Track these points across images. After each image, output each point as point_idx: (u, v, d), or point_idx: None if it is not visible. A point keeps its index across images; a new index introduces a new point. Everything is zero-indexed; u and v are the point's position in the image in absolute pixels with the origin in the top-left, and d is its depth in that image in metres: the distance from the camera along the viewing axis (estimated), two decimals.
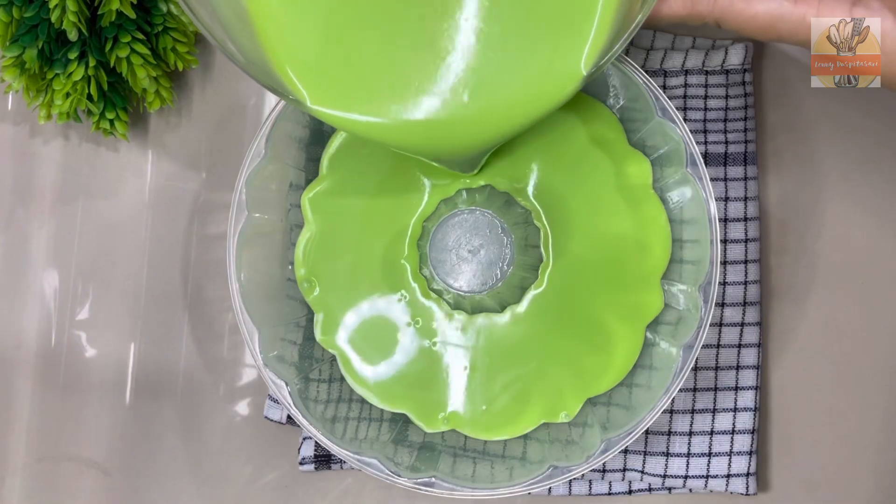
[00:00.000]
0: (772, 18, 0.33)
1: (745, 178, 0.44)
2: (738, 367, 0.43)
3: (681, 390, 0.43)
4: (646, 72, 0.38)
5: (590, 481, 0.44)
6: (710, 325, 0.40)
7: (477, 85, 0.28)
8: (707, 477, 0.43)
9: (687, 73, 0.44)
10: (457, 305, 0.39)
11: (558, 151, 0.40)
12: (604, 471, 0.43)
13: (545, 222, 0.39)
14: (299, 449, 0.44)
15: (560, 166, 0.40)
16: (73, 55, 0.42)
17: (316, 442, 0.42)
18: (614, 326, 0.39)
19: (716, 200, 0.39)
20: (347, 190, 0.40)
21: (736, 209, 0.44)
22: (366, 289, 0.40)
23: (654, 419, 0.37)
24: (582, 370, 0.39)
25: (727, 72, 0.44)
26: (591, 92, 0.40)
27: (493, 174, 0.40)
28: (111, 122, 0.44)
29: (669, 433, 0.43)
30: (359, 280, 0.40)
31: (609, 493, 0.44)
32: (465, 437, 0.40)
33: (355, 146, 0.40)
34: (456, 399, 0.39)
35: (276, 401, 0.44)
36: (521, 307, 0.39)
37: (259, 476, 0.46)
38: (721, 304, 0.43)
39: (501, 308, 0.39)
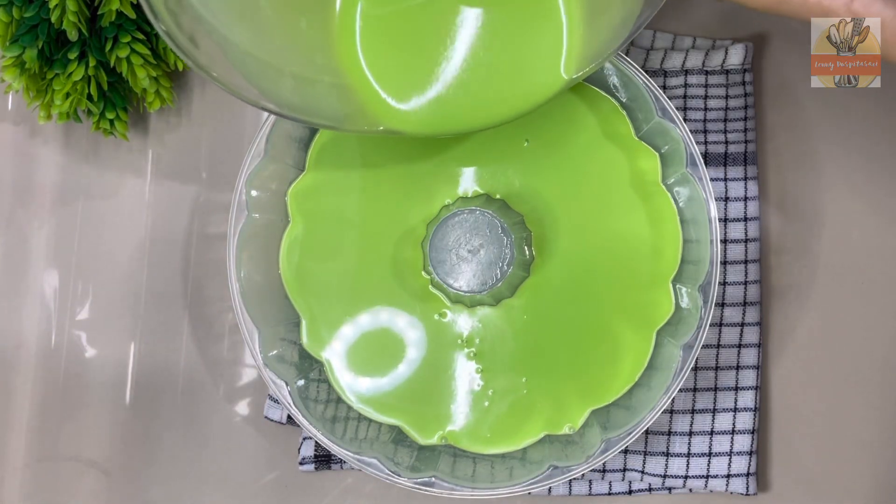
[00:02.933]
0: (783, 6, 0.33)
1: (745, 178, 0.44)
2: (738, 367, 0.43)
3: (681, 390, 0.43)
4: (646, 72, 0.38)
5: (590, 481, 0.44)
6: (710, 325, 0.40)
7: (488, 85, 0.36)
8: (707, 477, 0.43)
9: (687, 73, 0.44)
10: (456, 300, 0.39)
11: (566, 147, 0.39)
12: (604, 471, 0.43)
13: (534, 223, 0.39)
14: (299, 449, 0.44)
15: (567, 163, 0.39)
16: (73, 55, 0.42)
17: (316, 442, 0.42)
18: (622, 332, 0.38)
19: (716, 200, 0.39)
20: (335, 187, 0.40)
21: (736, 209, 0.44)
22: (371, 293, 0.40)
23: (654, 419, 0.37)
24: (588, 381, 0.39)
25: (727, 72, 0.44)
26: (600, 86, 0.40)
27: (493, 173, 0.40)
28: (111, 122, 0.44)
29: (669, 433, 0.43)
30: (361, 284, 0.40)
31: (609, 493, 0.44)
32: None
33: (341, 142, 0.40)
34: (455, 412, 0.39)
35: (276, 401, 0.44)
36: (516, 300, 0.39)
37: (259, 476, 0.46)
38: (721, 304, 0.43)
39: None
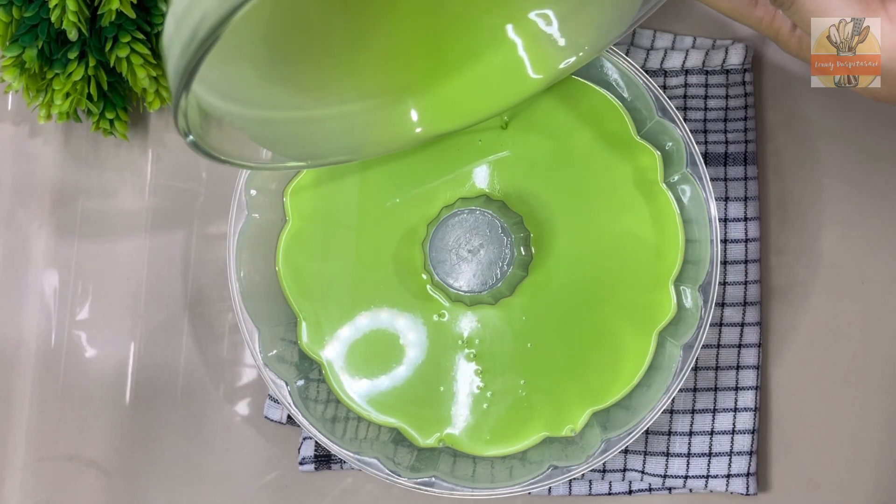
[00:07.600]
0: (733, 14, 0.35)
1: (745, 178, 0.44)
2: (738, 367, 0.43)
3: (681, 390, 0.43)
4: (646, 72, 0.38)
5: (590, 481, 0.44)
6: (710, 325, 0.40)
7: (482, 86, 0.39)
8: (707, 477, 0.43)
9: (687, 72, 0.44)
10: (456, 299, 0.39)
11: (566, 147, 0.39)
12: (604, 471, 0.43)
13: (533, 223, 0.39)
14: (299, 449, 0.44)
15: (567, 163, 0.39)
16: (73, 55, 0.42)
17: (316, 442, 0.42)
18: (622, 333, 0.38)
19: (716, 200, 0.39)
20: (334, 187, 0.40)
21: (736, 209, 0.44)
22: (370, 293, 0.39)
23: (654, 419, 0.37)
24: (588, 382, 0.39)
25: (727, 72, 0.44)
26: (601, 85, 0.40)
27: (492, 173, 0.40)
28: (111, 122, 0.44)
29: (670, 433, 0.43)
30: (360, 284, 0.40)
31: (609, 493, 0.44)
32: None
33: None
34: (455, 413, 0.39)
35: (276, 401, 0.44)
36: (516, 300, 0.39)
37: (259, 476, 0.46)
38: (721, 304, 0.43)
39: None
